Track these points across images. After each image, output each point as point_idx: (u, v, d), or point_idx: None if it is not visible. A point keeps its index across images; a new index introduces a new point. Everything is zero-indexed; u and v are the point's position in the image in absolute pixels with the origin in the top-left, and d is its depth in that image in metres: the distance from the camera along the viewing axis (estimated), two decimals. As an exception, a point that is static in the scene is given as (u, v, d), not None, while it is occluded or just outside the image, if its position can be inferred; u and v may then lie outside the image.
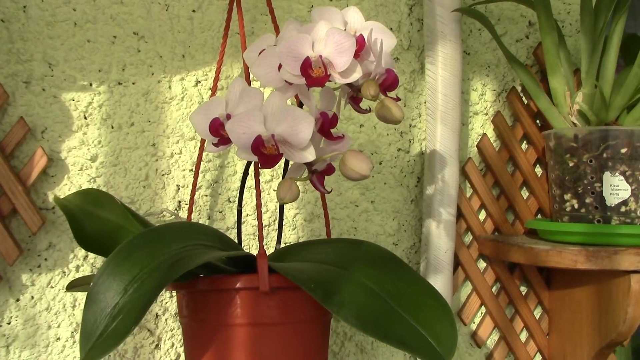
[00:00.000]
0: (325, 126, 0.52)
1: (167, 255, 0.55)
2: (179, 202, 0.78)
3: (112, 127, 0.76)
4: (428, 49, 0.83)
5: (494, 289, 0.88)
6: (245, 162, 0.79)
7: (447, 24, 0.81)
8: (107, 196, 0.61)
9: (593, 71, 0.78)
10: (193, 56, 0.79)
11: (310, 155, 0.48)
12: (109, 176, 0.75)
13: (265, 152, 0.48)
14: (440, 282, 0.81)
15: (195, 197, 0.78)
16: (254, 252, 0.77)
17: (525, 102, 0.90)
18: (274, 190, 0.82)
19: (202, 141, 0.76)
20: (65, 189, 0.74)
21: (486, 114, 0.90)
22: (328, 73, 0.49)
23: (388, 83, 0.51)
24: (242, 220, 0.80)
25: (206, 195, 0.79)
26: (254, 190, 0.81)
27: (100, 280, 0.52)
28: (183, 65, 0.78)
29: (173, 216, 0.77)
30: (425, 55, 0.85)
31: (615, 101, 0.74)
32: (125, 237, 0.59)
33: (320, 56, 0.49)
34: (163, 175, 0.77)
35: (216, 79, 0.76)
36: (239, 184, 0.80)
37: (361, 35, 0.53)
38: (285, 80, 0.52)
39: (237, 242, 0.67)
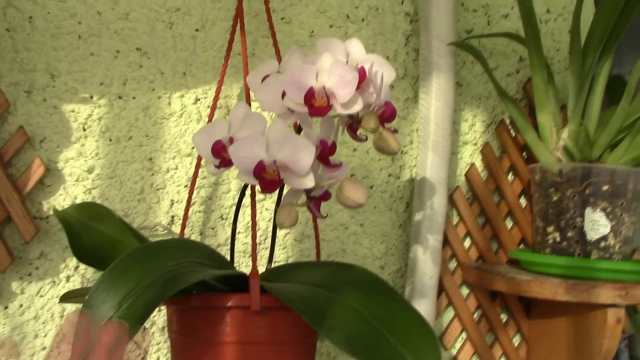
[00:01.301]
0: (324, 153, 0.54)
1: (162, 271, 0.56)
2: (172, 217, 0.79)
3: (111, 140, 0.77)
4: (422, 79, 0.86)
5: (475, 316, 0.90)
6: (241, 182, 0.81)
7: (442, 57, 0.83)
8: (105, 210, 0.62)
9: (579, 109, 0.81)
10: (194, 74, 0.80)
11: (309, 182, 0.50)
12: (104, 188, 0.76)
13: (266, 177, 0.50)
14: (424, 306, 0.82)
15: (189, 212, 0.79)
16: (245, 269, 0.78)
17: (513, 134, 0.93)
18: (266, 209, 0.83)
19: (199, 158, 0.77)
20: (60, 199, 0.74)
21: (475, 144, 0.93)
22: (330, 103, 0.50)
23: (386, 115, 0.54)
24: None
25: (199, 212, 0.80)
26: (247, 209, 0.82)
27: (95, 294, 0.52)
28: (184, 82, 0.80)
29: (166, 230, 0.78)
30: (419, 84, 0.87)
31: (599, 140, 0.77)
32: (122, 251, 0.60)
33: (324, 87, 0.51)
34: (158, 189, 0.79)
35: (216, 98, 0.77)
36: (233, 202, 0.81)
37: (362, 67, 0.55)
38: (288, 108, 0.53)
39: (229, 259, 0.68)
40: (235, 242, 0.82)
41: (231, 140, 0.54)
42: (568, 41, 0.83)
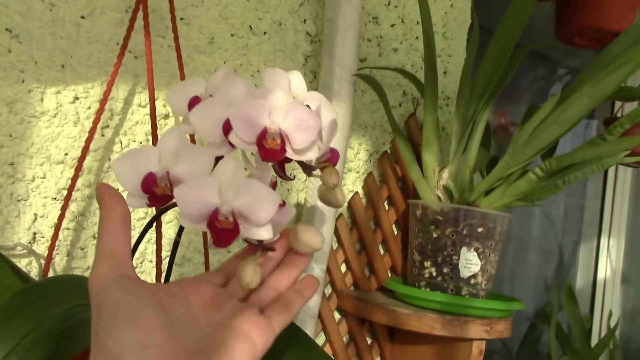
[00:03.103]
0: (264, 195, 0.49)
1: (54, 319, 0.47)
2: (34, 233, 0.67)
3: (-39, 137, 0.62)
4: (320, 104, 0.84)
5: (345, 339, 0.92)
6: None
7: (343, 85, 0.83)
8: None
9: (460, 152, 0.87)
10: (75, 68, 0.69)
11: (267, 233, 0.45)
12: (-52, 196, 0.62)
13: (218, 226, 0.44)
14: (305, 336, 0.81)
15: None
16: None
17: (393, 166, 0.96)
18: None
19: (78, 168, 0.66)
20: None
21: (358, 172, 0.94)
22: (285, 148, 0.46)
23: (332, 162, 0.51)
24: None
25: (68, 229, 0.69)
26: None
27: (-32, 353, 0.42)
28: (61, 76, 0.68)
29: (25, 251, 0.66)
30: (315, 109, 0.85)
31: (479, 185, 0.84)
32: (-5, 292, 0.49)
33: (279, 129, 0.47)
34: (19, 201, 0.66)
35: (104, 102, 0.67)
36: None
37: (333, 120, 0.51)
38: (230, 142, 0.48)
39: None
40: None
41: (168, 175, 0.47)
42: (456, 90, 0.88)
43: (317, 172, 0.49)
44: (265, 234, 0.45)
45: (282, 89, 0.49)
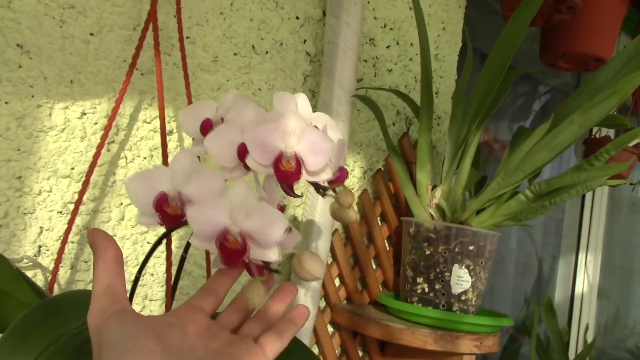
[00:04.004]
0: (273, 217, 0.51)
1: (69, 334, 0.48)
2: (40, 247, 0.68)
3: (-29, 151, 0.63)
4: (319, 123, 0.86)
5: (337, 352, 0.94)
6: (122, 213, 0.73)
7: (342, 105, 0.85)
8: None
9: (452, 172, 0.90)
10: (83, 84, 0.70)
11: (274, 255, 0.47)
12: (-44, 209, 0.62)
13: (227, 246, 0.46)
14: (301, 349, 0.83)
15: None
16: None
17: (386, 184, 0.98)
18: (148, 242, 0.76)
19: (85, 182, 0.67)
20: None
21: (352, 188, 0.96)
22: (301, 170, 0.48)
23: (341, 181, 0.53)
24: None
25: (72, 242, 0.70)
26: (126, 241, 0.74)
27: (-11, 367, 0.43)
28: (70, 92, 0.69)
29: (31, 263, 0.67)
30: (314, 127, 0.88)
31: (471, 205, 0.87)
32: (11, 307, 0.50)
33: (295, 153, 0.49)
34: (26, 214, 0.66)
35: (112, 118, 0.68)
36: (112, 233, 0.72)
37: (341, 141, 0.54)
38: (245, 165, 0.50)
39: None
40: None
41: (180, 195, 0.48)
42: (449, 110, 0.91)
43: (329, 192, 0.52)
44: (272, 255, 0.46)
45: (294, 113, 0.51)
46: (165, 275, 0.77)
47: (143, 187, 0.50)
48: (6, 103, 0.65)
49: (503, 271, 1.86)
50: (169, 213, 0.49)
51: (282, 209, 0.54)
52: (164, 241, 0.72)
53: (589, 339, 1.81)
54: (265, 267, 0.50)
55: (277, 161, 0.49)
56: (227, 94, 0.55)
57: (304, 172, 0.50)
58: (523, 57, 1.61)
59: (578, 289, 1.89)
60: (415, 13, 0.82)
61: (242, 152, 0.50)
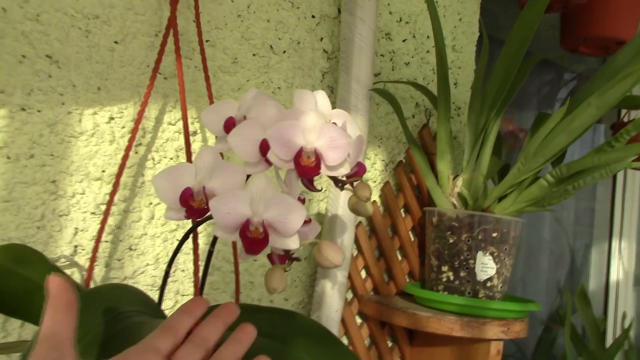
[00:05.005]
0: (295, 209, 0.53)
1: (102, 327, 0.51)
2: (75, 246, 0.71)
3: (9, 158, 0.67)
4: (338, 118, 0.88)
5: (366, 342, 0.95)
6: (152, 211, 0.76)
7: (360, 100, 0.87)
8: (35, 254, 0.54)
9: (473, 161, 0.91)
10: (109, 90, 0.73)
11: (294, 243, 0.49)
12: (-3, 213, 0.66)
13: (249, 236, 0.48)
14: (329, 340, 0.85)
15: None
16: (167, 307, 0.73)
17: (408, 175, 1.00)
18: (177, 239, 0.79)
19: (116, 184, 0.71)
20: (-59, 224, 0.63)
21: (375, 181, 0.98)
22: (320, 165, 0.50)
23: (359, 175, 0.55)
24: (142, 270, 0.76)
25: (106, 241, 0.73)
26: (156, 240, 0.77)
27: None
28: (97, 98, 0.72)
29: (68, 262, 0.70)
30: (334, 122, 0.90)
31: (493, 192, 0.87)
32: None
33: (315, 148, 0.50)
34: (61, 216, 0.70)
35: (138, 121, 0.71)
36: (143, 232, 0.76)
37: (359, 138, 0.55)
38: (266, 160, 0.52)
39: (157, 303, 0.64)
40: (143, 274, 0.76)
41: (204, 190, 0.51)
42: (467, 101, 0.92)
43: (348, 185, 0.53)
44: (292, 244, 0.49)
45: (313, 110, 0.53)
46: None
47: (169, 183, 0.52)
48: (38, 111, 0.68)
49: (536, 263, 1.84)
50: (194, 207, 0.51)
51: (302, 201, 0.56)
52: (192, 237, 0.75)
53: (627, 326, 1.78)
54: (286, 256, 0.52)
55: (298, 157, 0.51)
56: (248, 92, 0.58)
57: (323, 166, 0.52)
58: (544, 44, 1.59)
59: (613, 277, 1.86)
60: (427, 5, 0.83)
61: (264, 148, 0.52)
